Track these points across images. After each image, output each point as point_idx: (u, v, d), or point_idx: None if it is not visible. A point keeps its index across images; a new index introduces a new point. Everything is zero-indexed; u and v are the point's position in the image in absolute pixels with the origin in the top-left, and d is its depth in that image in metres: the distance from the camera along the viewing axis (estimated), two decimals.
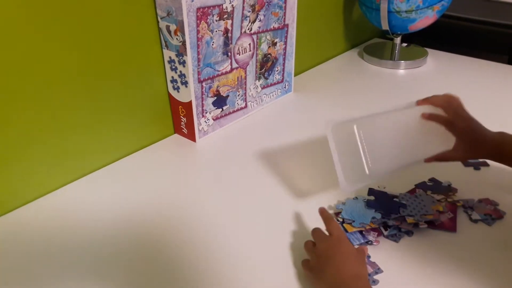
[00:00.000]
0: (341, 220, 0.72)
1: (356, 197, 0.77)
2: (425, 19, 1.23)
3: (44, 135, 0.78)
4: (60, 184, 0.84)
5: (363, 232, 0.69)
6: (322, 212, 0.68)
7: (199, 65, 0.89)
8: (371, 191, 0.77)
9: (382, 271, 0.63)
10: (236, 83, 1.01)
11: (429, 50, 1.41)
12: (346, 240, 0.62)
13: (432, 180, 0.81)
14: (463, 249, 0.67)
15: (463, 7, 1.47)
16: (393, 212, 0.71)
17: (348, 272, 0.57)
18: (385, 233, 0.70)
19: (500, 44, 1.40)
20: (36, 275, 0.65)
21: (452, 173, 0.82)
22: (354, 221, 0.71)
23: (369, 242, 0.68)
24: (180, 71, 0.89)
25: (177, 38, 0.85)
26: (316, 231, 0.65)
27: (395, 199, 0.75)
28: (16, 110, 0.73)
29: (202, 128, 0.97)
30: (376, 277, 0.63)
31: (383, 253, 0.67)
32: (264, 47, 1.04)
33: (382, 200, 0.75)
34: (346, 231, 0.70)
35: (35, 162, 0.79)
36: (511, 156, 0.69)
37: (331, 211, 0.75)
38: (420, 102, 0.73)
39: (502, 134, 0.71)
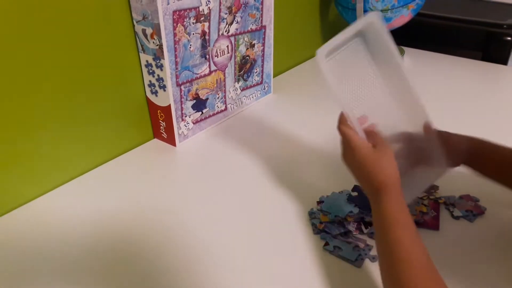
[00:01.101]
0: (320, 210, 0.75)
1: (342, 191, 0.78)
2: (401, 18, 1.24)
3: (15, 142, 0.76)
4: (37, 194, 0.81)
5: (344, 223, 0.71)
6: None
7: (177, 68, 0.88)
8: (355, 187, 0.78)
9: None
10: (215, 85, 1.00)
11: (405, 48, 1.43)
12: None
13: None
14: (446, 246, 0.68)
15: (437, 6, 1.49)
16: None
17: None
18: (365, 231, 0.70)
19: (474, 41, 1.42)
20: (22, 278, 0.64)
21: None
22: (330, 213, 0.73)
23: (349, 232, 0.70)
24: (158, 75, 0.88)
25: (153, 42, 0.84)
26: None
27: None
28: None
29: (182, 132, 0.96)
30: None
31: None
32: (242, 49, 1.03)
33: (364, 196, 0.75)
34: (321, 221, 0.72)
35: (5, 170, 0.76)
36: (479, 167, 0.70)
37: (314, 202, 0.77)
38: None
39: (479, 143, 0.70)
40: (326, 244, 0.68)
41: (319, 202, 0.77)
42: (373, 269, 0.64)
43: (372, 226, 0.70)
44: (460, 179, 0.80)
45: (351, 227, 0.71)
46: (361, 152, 0.60)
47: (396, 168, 0.59)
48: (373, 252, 0.67)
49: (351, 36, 0.62)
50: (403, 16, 1.23)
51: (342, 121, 0.63)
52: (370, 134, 0.63)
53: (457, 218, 0.73)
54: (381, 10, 1.21)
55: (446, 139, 0.69)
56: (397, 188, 0.57)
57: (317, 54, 0.59)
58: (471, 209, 0.74)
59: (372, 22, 0.62)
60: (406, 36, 1.46)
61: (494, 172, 0.70)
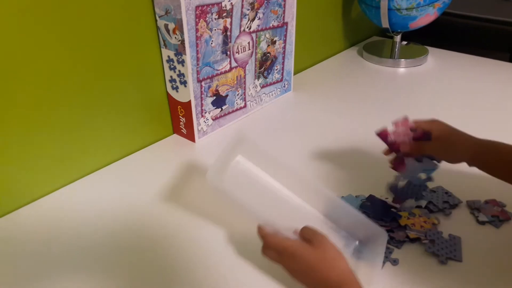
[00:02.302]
0: None
1: (358, 196, 0.77)
2: (426, 16, 1.21)
3: (42, 135, 0.76)
4: (59, 185, 0.82)
5: None
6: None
7: (198, 64, 0.87)
8: (370, 197, 0.76)
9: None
10: (235, 82, 0.99)
11: (429, 48, 1.40)
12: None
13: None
14: (471, 252, 0.66)
15: (463, 5, 1.46)
16: (384, 218, 0.71)
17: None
18: None
19: (501, 41, 1.39)
20: (35, 275, 0.64)
21: (458, 173, 0.80)
22: None
23: None
24: (179, 71, 0.87)
25: (175, 37, 0.83)
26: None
27: (392, 209, 0.73)
28: (14, 110, 0.71)
29: (202, 128, 0.95)
30: None
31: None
32: (263, 45, 1.02)
33: (377, 206, 0.74)
34: None
35: (33, 163, 0.77)
36: (488, 163, 0.69)
37: None
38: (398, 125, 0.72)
39: (485, 142, 0.69)
40: None
41: None
42: (394, 272, 0.63)
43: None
44: (485, 184, 0.77)
45: None
46: (302, 256, 0.55)
47: (344, 258, 0.55)
48: (394, 255, 0.65)
49: (231, 156, 0.70)
50: (429, 15, 1.21)
51: (263, 235, 0.59)
52: (298, 231, 0.59)
53: (482, 223, 0.71)
54: (406, 9, 1.19)
55: (450, 134, 0.69)
56: (356, 283, 0.53)
57: (207, 178, 0.62)
58: (497, 215, 0.72)
59: (243, 139, 0.70)
60: (430, 36, 1.43)
61: (505, 172, 0.68)
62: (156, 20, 0.85)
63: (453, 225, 0.71)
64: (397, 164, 0.72)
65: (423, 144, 0.70)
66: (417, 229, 0.69)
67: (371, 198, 0.76)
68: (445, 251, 0.65)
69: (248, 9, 0.93)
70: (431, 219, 0.71)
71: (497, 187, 0.74)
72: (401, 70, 1.32)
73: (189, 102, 0.90)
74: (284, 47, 1.09)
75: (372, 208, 0.73)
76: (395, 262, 0.64)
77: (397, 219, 0.70)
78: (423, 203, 0.74)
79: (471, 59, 1.35)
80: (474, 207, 0.73)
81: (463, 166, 0.70)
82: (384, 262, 0.64)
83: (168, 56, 0.87)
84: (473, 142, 0.70)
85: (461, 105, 1.09)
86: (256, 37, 0.99)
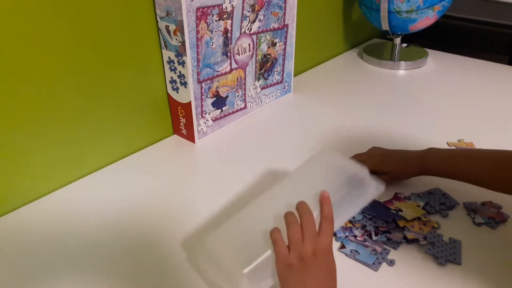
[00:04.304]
0: None
1: None
2: (426, 19, 1.22)
3: (41, 136, 0.77)
4: (59, 185, 0.83)
5: (352, 228, 0.71)
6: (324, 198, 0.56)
7: (198, 65, 0.88)
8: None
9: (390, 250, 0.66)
10: (236, 83, 1.00)
11: (429, 50, 1.40)
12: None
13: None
14: (467, 253, 0.66)
15: (463, 8, 1.46)
16: (385, 218, 0.71)
17: None
18: (374, 238, 0.69)
19: (501, 44, 1.39)
20: (35, 275, 0.64)
21: None
22: None
23: (355, 236, 0.70)
24: (180, 72, 0.88)
25: (176, 38, 0.84)
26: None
27: (392, 210, 0.74)
28: (15, 110, 0.72)
29: (202, 129, 0.96)
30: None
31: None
32: (263, 47, 1.03)
33: (378, 207, 0.74)
34: None
35: (32, 163, 0.78)
36: (433, 169, 0.74)
37: None
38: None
39: (426, 151, 0.76)
40: (343, 247, 0.68)
41: None
42: (391, 273, 0.63)
43: (381, 234, 0.69)
44: None
45: (358, 231, 0.70)
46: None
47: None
48: (391, 256, 0.66)
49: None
50: (428, 18, 1.21)
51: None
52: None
53: (478, 225, 0.71)
54: (406, 11, 1.19)
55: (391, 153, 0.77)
56: None
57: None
58: (494, 216, 0.72)
59: None
60: (430, 38, 1.44)
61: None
62: (157, 22, 0.86)
63: (450, 226, 0.71)
64: None
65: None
66: (416, 231, 0.69)
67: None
68: (445, 253, 0.66)
69: (249, 11, 0.94)
70: (431, 222, 0.71)
71: None
72: (401, 72, 1.32)
73: (189, 103, 0.91)
74: (285, 49, 1.10)
75: (373, 209, 0.73)
76: (391, 263, 0.65)
77: (397, 220, 0.71)
78: (421, 204, 0.74)
79: (470, 62, 1.35)
80: (471, 209, 0.74)
81: None
82: (380, 263, 0.65)
83: (169, 57, 0.88)
84: (415, 154, 0.76)
85: (461, 107, 1.10)
86: (257, 39, 1.00)
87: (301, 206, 0.55)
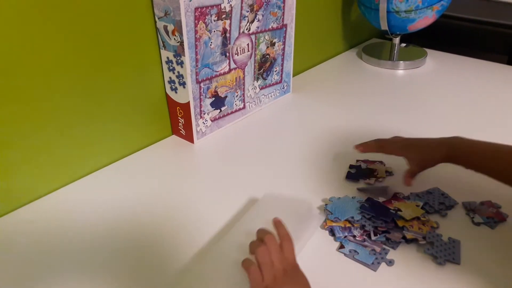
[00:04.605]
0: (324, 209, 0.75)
1: (354, 197, 0.77)
2: (425, 19, 1.22)
3: (41, 136, 0.77)
4: (59, 185, 0.83)
5: (351, 228, 0.70)
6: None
7: (197, 65, 0.88)
8: (368, 199, 0.76)
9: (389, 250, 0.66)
10: (234, 83, 1.00)
11: (428, 50, 1.40)
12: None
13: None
14: (466, 252, 0.66)
15: (462, 7, 1.46)
16: (384, 217, 0.71)
17: None
18: (373, 238, 0.69)
19: (500, 44, 1.39)
20: (35, 275, 0.64)
21: (454, 175, 0.81)
22: (332, 214, 0.72)
23: (354, 236, 0.69)
24: (178, 72, 0.88)
25: (174, 38, 0.84)
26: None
27: (391, 210, 0.73)
28: (15, 110, 0.72)
29: (200, 129, 0.96)
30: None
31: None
32: (262, 47, 1.03)
33: (377, 207, 0.74)
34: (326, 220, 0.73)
35: (32, 163, 0.78)
36: (462, 160, 0.71)
37: (323, 203, 0.77)
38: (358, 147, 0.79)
39: (454, 139, 0.73)
40: (342, 247, 0.67)
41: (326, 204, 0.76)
42: (390, 272, 0.63)
43: (380, 234, 0.69)
44: (481, 185, 0.78)
45: (357, 231, 0.70)
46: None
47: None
48: (390, 256, 0.66)
49: None
50: (427, 18, 1.21)
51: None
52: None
53: (477, 224, 0.71)
54: (405, 11, 1.19)
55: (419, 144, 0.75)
56: None
57: None
58: (493, 216, 0.72)
59: None
60: (429, 38, 1.44)
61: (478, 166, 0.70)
62: (155, 22, 0.86)
63: (449, 226, 0.71)
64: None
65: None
66: (415, 231, 0.69)
67: (370, 199, 0.76)
68: (444, 253, 0.66)
69: (248, 11, 0.94)
70: (430, 222, 0.71)
71: (493, 189, 0.74)
72: (400, 72, 1.32)
73: (188, 103, 0.91)
74: (283, 49, 1.10)
75: (372, 209, 0.73)
76: (390, 263, 0.65)
77: (396, 220, 0.71)
78: (420, 204, 0.74)
79: (469, 61, 1.35)
80: (470, 208, 0.74)
81: (460, 168, 0.71)
82: (379, 263, 0.65)
83: (167, 58, 0.88)
84: (440, 140, 0.74)
85: (460, 107, 1.10)
86: (255, 39, 1.00)
87: (260, 230, 0.59)
